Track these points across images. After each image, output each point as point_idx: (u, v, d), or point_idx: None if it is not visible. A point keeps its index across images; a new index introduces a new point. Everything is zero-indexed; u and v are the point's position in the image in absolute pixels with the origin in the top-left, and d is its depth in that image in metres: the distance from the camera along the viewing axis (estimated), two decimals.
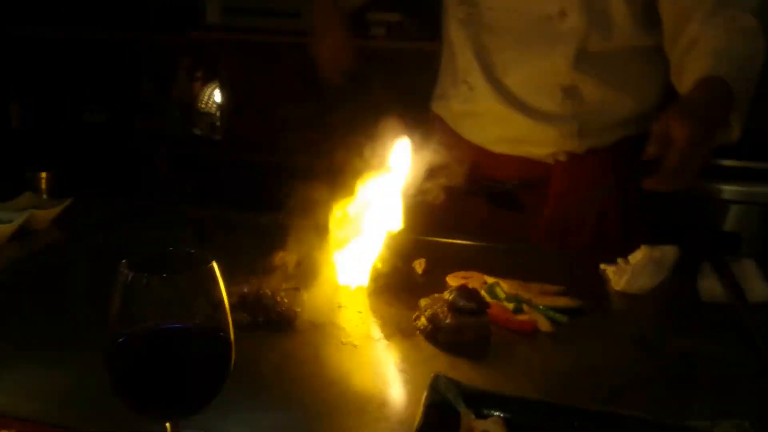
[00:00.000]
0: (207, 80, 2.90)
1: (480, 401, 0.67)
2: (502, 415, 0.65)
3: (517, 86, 1.24)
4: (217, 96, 2.70)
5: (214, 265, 0.50)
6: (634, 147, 1.17)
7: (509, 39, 1.23)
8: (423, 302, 0.89)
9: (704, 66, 1.05)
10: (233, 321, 0.84)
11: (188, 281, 0.48)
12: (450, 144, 1.28)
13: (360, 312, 0.93)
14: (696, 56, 1.08)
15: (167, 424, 0.51)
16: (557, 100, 1.21)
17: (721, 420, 0.62)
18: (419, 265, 1.08)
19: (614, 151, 1.25)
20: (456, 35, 1.30)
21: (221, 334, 0.51)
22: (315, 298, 0.97)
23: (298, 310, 0.90)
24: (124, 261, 0.49)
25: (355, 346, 0.84)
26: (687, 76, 1.07)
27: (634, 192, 1.27)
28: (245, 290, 0.90)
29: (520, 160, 1.28)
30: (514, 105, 1.24)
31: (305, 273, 1.04)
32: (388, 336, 0.87)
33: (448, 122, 1.37)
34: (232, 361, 0.52)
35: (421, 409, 0.64)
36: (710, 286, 0.98)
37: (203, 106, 2.88)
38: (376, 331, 0.88)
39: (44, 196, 1.28)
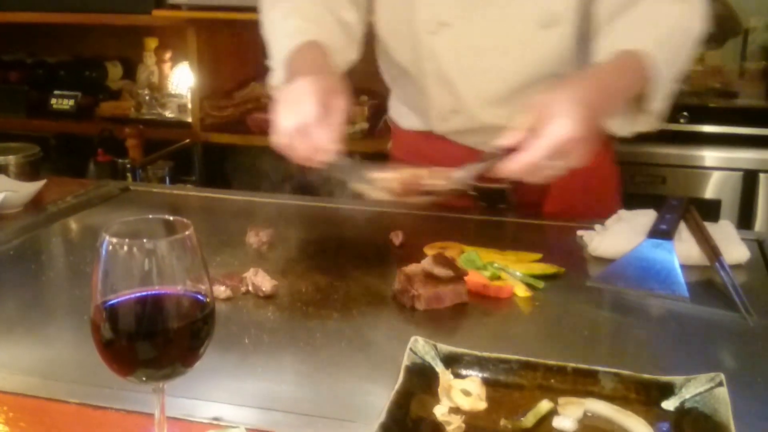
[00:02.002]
0: (175, 62, 2.86)
1: (458, 362, 0.68)
2: (480, 375, 0.67)
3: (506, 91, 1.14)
4: (187, 77, 2.66)
5: (193, 231, 0.50)
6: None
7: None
8: (401, 271, 0.90)
9: (629, 37, 0.96)
10: (217, 294, 0.87)
11: (168, 247, 0.49)
12: (433, 148, 1.23)
13: (339, 282, 0.94)
14: (624, 24, 0.99)
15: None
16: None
17: (696, 374, 0.64)
18: (396, 237, 1.09)
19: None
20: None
21: (202, 298, 0.51)
22: (293, 272, 0.97)
23: (277, 282, 0.91)
24: (104, 228, 0.49)
25: (335, 315, 0.86)
26: (605, 43, 0.99)
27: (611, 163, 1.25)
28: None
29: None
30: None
31: (279, 249, 1.05)
32: (367, 304, 0.88)
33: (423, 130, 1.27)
34: (214, 324, 0.53)
35: (401, 371, 0.65)
36: (686, 248, 1.00)
37: (173, 88, 2.84)
38: (356, 300, 0.89)
39: (16, 180, 1.26)
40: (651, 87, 0.97)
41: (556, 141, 0.83)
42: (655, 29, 1.00)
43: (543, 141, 0.83)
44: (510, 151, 0.86)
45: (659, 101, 1.00)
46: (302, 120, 0.89)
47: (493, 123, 1.09)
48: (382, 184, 0.93)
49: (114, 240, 0.48)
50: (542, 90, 0.90)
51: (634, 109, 1.02)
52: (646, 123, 1.04)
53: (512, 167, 0.85)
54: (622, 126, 1.05)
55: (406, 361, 0.66)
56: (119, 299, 0.49)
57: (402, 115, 1.33)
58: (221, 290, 0.88)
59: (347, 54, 1.15)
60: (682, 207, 1.09)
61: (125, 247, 0.48)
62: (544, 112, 0.85)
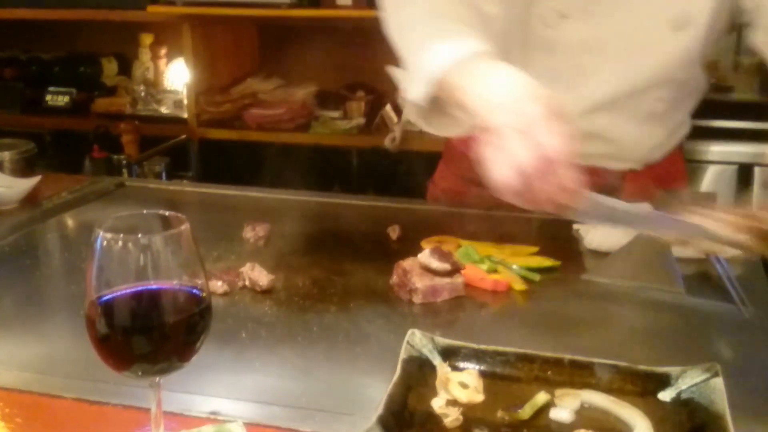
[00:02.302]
0: (171, 57, 2.85)
1: (455, 355, 0.69)
2: (477, 367, 0.67)
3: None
4: (183, 73, 2.65)
5: (188, 225, 0.50)
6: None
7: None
8: (398, 265, 0.90)
9: None
10: (214, 289, 0.87)
11: (163, 242, 0.49)
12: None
13: (336, 276, 0.94)
14: None
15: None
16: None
17: (692, 365, 0.64)
18: (393, 231, 1.09)
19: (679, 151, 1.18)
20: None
21: (198, 292, 0.51)
22: (290, 266, 0.97)
23: (274, 277, 0.91)
24: (98, 224, 0.49)
25: (332, 309, 0.85)
26: None
27: None
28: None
29: (588, 170, 1.15)
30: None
31: (276, 244, 1.04)
32: (364, 298, 0.88)
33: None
34: (211, 319, 0.53)
35: (398, 364, 0.65)
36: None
37: (168, 84, 2.83)
38: (353, 294, 0.89)
39: (10, 176, 1.26)
40: None
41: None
42: None
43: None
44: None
45: None
46: (543, 155, 0.70)
47: (587, 130, 0.98)
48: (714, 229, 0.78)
49: (108, 235, 0.48)
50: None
51: None
52: None
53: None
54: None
55: (403, 354, 0.66)
56: (114, 294, 0.49)
57: None
58: (218, 285, 0.88)
59: None
60: (679, 199, 1.08)
61: (120, 243, 0.48)
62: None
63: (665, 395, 0.64)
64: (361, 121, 2.55)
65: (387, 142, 2.33)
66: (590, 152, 1.06)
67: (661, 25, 1.02)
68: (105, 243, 0.48)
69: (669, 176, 1.17)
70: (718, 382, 0.61)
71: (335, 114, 2.57)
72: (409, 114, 0.93)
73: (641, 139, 1.11)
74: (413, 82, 0.89)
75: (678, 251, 0.98)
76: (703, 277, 0.94)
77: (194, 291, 0.51)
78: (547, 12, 1.03)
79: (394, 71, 0.94)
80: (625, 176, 1.14)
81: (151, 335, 0.50)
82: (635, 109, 1.09)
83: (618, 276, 0.93)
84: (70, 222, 1.17)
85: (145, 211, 0.53)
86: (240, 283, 0.90)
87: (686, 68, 1.08)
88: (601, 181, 1.11)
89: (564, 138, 0.71)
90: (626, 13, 1.02)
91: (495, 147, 0.73)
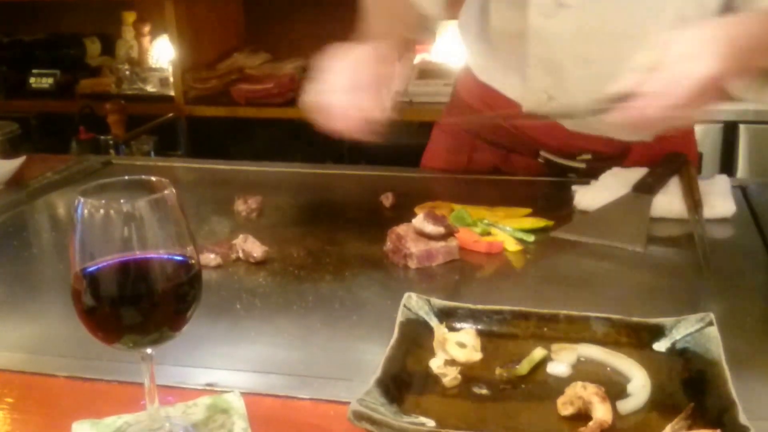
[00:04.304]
0: (155, 35, 2.80)
1: (452, 315, 0.68)
2: (474, 327, 0.67)
3: None
4: (167, 50, 2.61)
5: (173, 189, 0.49)
6: None
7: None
8: (392, 231, 0.89)
9: None
10: (206, 262, 0.86)
11: (147, 207, 0.47)
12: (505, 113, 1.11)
13: (330, 246, 0.94)
14: None
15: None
16: None
17: (686, 314, 0.64)
18: (386, 199, 1.08)
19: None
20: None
21: (186, 259, 0.50)
22: (284, 237, 0.96)
23: (268, 248, 0.90)
24: (80, 191, 0.48)
25: (327, 277, 0.85)
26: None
27: None
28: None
29: (595, 138, 1.10)
30: None
31: (269, 216, 1.03)
32: (359, 266, 0.88)
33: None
34: (201, 287, 0.52)
35: (395, 328, 0.65)
36: (668, 202, 1.00)
37: (153, 62, 2.79)
38: (348, 263, 0.89)
39: None
40: None
41: (692, 81, 0.68)
42: None
43: (674, 82, 0.69)
44: (625, 99, 0.72)
45: None
46: (356, 82, 0.87)
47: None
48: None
49: (90, 201, 0.47)
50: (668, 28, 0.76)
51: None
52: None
53: (631, 116, 0.71)
54: (748, 90, 0.89)
55: (400, 318, 0.66)
56: (99, 265, 0.48)
57: (487, 69, 1.17)
58: (211, 258, 0.87)
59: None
60: (678, 162, 1.08)
61: (102, 209, 0.46)
62: (674, 49, 0.71)
63: (660, 346, 0.64)
64: None
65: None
66: (600, 128, 1.07)
67: (667, 14, 0.96)
68: (87, 210, 0.47)
69: (677, 143, 1.13)
70: (713, 331, 0.61)
71: None
72: None
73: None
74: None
75: (665, 212, 0.98)
76: (685, 238, 0.93)
77: (182, 258, 0.50)
78: (545, 1, 1.00)
79: None
80: (634, 145, 1.11)
81: (139, 305, 0.49)
82: None
83: (582, 234, 0.94)
84: (56, 202, 1.16)
85: (127, 177, 0.51)
86: (233, 256, 0.90)
87: None
88: (608, 150, 1.11)
89: (375, 78, 0.86)
90: (628, 2, 0.98)
91: (326, 70, 0.89)
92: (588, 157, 1.14)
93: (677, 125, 0.77)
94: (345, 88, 0.87)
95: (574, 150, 1.14)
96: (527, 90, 1.09)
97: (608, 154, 1.12)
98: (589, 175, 1.10)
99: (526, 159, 1.17)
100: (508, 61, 1.11)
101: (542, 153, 1.16)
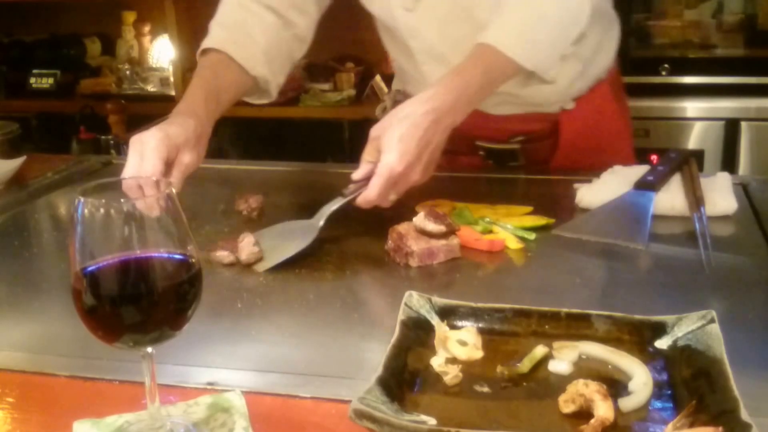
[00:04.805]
0: (155, 35, 2.80)
1: (453, 314, 0.68)
2: (475, 325, 0.67)
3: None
4: (168, 50, 2.61)
5: (173, 189, 0.49)
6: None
7: None
8: (393, 229, 0.89)
9: (488, 32, 0.95)
10: (220, 258, 0.85)
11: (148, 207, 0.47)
12: None
13: (330, 245, 0.93)
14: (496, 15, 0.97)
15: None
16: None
17: (687, 313, 0.64)
18: None
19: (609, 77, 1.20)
20: None
21: (186, 258, 0.50)
22: (285, 236, 0.96)
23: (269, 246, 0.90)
24: (80, 191, 0.47)
25: (328, 276, 0.85)
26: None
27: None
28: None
29: (522, 118, 1.18)
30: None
31: (269, 215, 1.03)
32: (360, 264, 0.88)
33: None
34: (201, 286, 0.52)
35: (396, 326, 0.65)
36: (670, 199, 1.00)
37: (154, 62, 2.79)
38: (349, 261, 0.89)
39: None
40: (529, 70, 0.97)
41: (386, 177, 0.88)
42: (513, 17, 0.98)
43: (376, 179, 0.89)
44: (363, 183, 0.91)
45: (549, 72, 1.00)
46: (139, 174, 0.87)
47: (506, 90, 1.06)
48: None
49: (90, 201, 0.46)
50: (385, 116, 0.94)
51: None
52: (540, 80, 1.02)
53: (363, 201, 0.90)
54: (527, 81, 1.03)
55: (401, 316, 0.66)
56: (99, 264, 0.48)
57: (402, 77, 1.29)
58: (224, 255, 0.87)
59: (280, 56, 1.14)
60: (679, 159, 1.08)
61: (102, 209, 0.46)
62: (379, 145, 0.91)
63: (662, 343, 0.64)
64: (352, 92, 2.52)
65: (378, 113, 2.30)
66: (514, 102, 1.13)
67: None
68: (87, 210, 0.46)
69: (604, 114, 1.20)
70: (714, 328, 0.61)
71: (325, 86, 2.54)
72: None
73: (558, 77, 1.09)
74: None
75: (666, 209, 0.98)
76: (687, 235, 0.93)
77: (182, 257, 0.50)
78: None
79: None
80: (561, 118, 1.18)
81: (139, 304, 0.48)
82: None
83: (583, 232, 0.94)
84: (57, 202, 1.16)
85: (128, 176, 0.51)
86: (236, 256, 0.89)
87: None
88: (538, 127, 1.17)
89: (161, 167, 0.87)
90: None
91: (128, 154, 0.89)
92: (521, 138, 1.20)
93: (416, 182, 0.93)
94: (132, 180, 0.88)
95: (506, 135, 1.21)
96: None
97: (540, 131, 1.19)
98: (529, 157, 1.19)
99: (469, 157, 1.23)
100: (407, 65, 1.19)
101: (478, 143, 1.21)
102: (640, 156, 1.26)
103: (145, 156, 0.87)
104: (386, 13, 1.12)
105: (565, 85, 1.15)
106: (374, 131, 0.93)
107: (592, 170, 1.12)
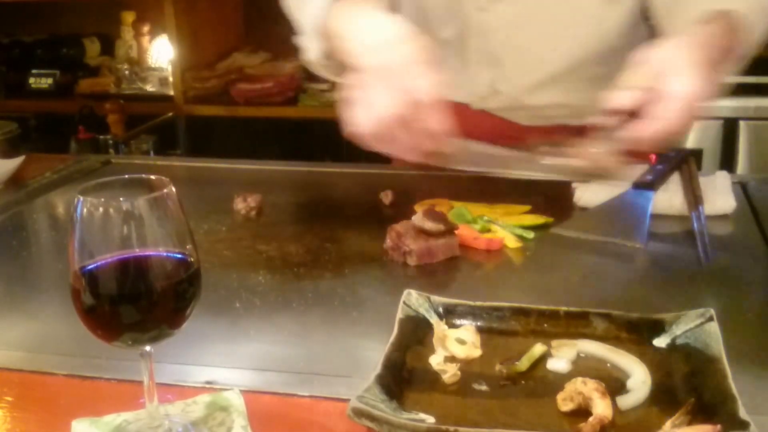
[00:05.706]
0: (154, 35, 2.80)
1: (451, 312, 0.68)
2: (474, 324, 0.67)
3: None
4: (167, 50, 2.61)
5: (173, 188, 0.49)
6: None
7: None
8: (391, 228, 0.89)
9: None
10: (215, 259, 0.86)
11: (147, 206, 0.47)
12: (469, 122, 1.08)
13: (329, 244, 0.94)
14: None
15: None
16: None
17: (686, 311, 0.64)
18: (386, 197, 1.08)
19: None
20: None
21: (185, 257, 0.50)
22: (283, 235, 0.96)
23: (267, 247, 0.90)
24: (79, 190, 0.47)
25: (327, 275, 0.85)
26: (685, 10, 0.87)
27: None
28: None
29: (549, 128, 1.14)
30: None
31: (268, 214, 1.03)
32: (359, 263, 0.88)
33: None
34: (200, 284, 0.52)
35: (395, 325, 0.65)
36: (669, 198, 1.00)
37: (153, 62, 2.79)
38: (348, 260, 0.89)
39: None
40: (742, 49, 0.86)
41: (687, 101, 0.70)
42: None
43: (673, 102, 0.70)
44: (623, 114, 0.73)
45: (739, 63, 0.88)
46: (410, 100, 0.69)
47: (533, 104, 1.06)
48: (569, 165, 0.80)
49: (89, 200, 0.47)
50: (644, 47, 0.77)
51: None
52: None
53: (646, 136, 0.71)
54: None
55: (400, 314, 0.66)
56: (98, 263, 0.48)
57: None
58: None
59: None
60: (679, 158, 1.08)
61: (101, 208, 0.46)
62: (661, 68, 0.72)
63: (660, 341, 0.64)
64: None
65: None
66: (544, 115, 1.11)
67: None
68: (86, 209, 0.47)
69: None
70: (713, 326, 0.61)
71: (324, 86, 2.54)
72: (321, 73, 0.91)
73: (591, 101, 1.08)
74: (307, 41, 0.89)
75: (665, 208, 0.98)
76: (686, 234, 0.93)
77: (181, 255, 0.50)
78: None
79: (296, 40, 0.93)
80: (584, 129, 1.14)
81: (138, 302, 0.48)
82: (578, 79, 1.09)
83: (582, 230, 0.94)
84: (56, 201, 1.16)
85: (127, 176, 0.51)
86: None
87: (625, 36, 1.07)
88: (559, 137, 1.13)
89: (432, 81, 0.69)
90: None
91: (360, 91, 0.71)
92: (547, 149, 1.14)
93: (664, 146, 0.79)
94: (399, 114, 0.70)
95: (529, 144, 1.13)
96: (473, 86, 1.13)
97: (558, 141, 1.14)
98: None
99: None
100: (447, 61, 1.13)
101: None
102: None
103: (405, 73, 0.68)
104: (453, 11, 1.07)
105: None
106: (645, 55, 0.74)
107: None
